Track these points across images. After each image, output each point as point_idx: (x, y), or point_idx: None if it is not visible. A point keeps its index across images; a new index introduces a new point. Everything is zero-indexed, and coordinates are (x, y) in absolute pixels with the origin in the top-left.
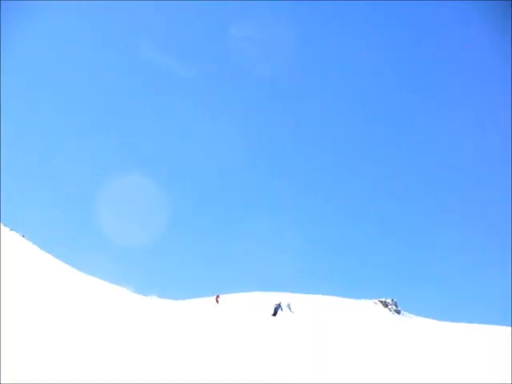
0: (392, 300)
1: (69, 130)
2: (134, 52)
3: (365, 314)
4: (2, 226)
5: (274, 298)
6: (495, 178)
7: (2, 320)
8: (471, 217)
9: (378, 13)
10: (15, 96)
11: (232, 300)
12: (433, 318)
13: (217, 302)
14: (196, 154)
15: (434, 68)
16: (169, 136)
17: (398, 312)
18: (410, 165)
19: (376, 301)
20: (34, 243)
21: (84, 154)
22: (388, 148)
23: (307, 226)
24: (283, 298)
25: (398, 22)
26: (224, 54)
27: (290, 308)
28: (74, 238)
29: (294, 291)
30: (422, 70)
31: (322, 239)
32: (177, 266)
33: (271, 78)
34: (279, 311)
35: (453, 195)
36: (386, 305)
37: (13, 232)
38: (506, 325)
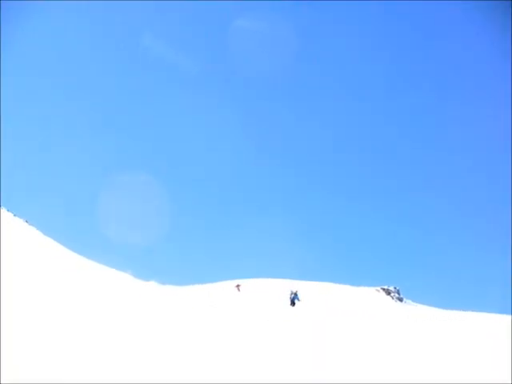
0: (394, 288)
1: (69, 129)
2: (136, 50)
3: (367, 302)
4: (6, 212)
5: (284, 285)
6: (496, 170)
7: (2, 310)
8: (473, 204)
9: (377, 12)
10: (15, 96)
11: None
12: (435, 306)
13: (238, 290)
14: (198, 151)
15: (433, 67)
16: (170, 133)
17: (401, 300)
18: (412, 156)
19: (378, 288)
20: (37, 228)
21: (86, 151)
22: (389, 141)
23: (310, 214)
24: (289, 285)
25: (398, 22)
26: (227, 49)
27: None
28: (76, 230)
29: (297, 278)
30: (421, 68)
31: (325, 226)
32: (177, 255)
33: (275, 74)
34: (296, 301)
35: (455, 183)
36: (388, 292)
37: (16, 217)
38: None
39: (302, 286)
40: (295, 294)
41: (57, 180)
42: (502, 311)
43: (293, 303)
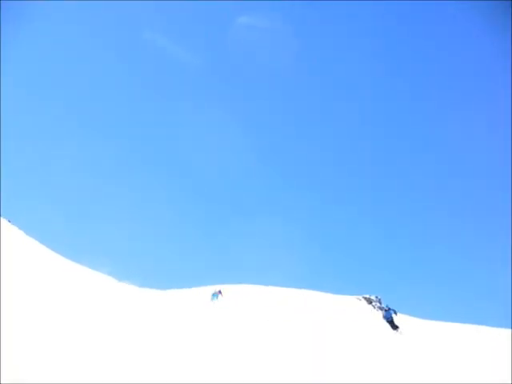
0: (376, 297)
1: (69, 130)
2: (137, 49)
3: (347, 311)
4: None
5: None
6: (492, 174)
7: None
8: (455, 215)
9: (377, 12)
10: (15, 96)
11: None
12: (416, 317)
13: (221, 295)
14: (196, 150)
15: (433, 67)
16: (170, 132)
17: (382, 309)
18: (404, 162)
19: (360, 297)
20: (19, 228)
21: (85, 150)
22: (384, 145)
23: (294, 224)
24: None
25: (398, 22)
26: (230, 44)
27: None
28: (66, 232)
29: (278, 285)
30: (421, 68)
31: (307, 235)
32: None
33: (275, 72)
34: (393, 315)
35: (440, 191)
36: (370, 301)
37: None
38: (480, 323)
39: (286, 293)
40: (388, 310)
41: (51, 179)
42: (485, 323)
43: (393, 325)
